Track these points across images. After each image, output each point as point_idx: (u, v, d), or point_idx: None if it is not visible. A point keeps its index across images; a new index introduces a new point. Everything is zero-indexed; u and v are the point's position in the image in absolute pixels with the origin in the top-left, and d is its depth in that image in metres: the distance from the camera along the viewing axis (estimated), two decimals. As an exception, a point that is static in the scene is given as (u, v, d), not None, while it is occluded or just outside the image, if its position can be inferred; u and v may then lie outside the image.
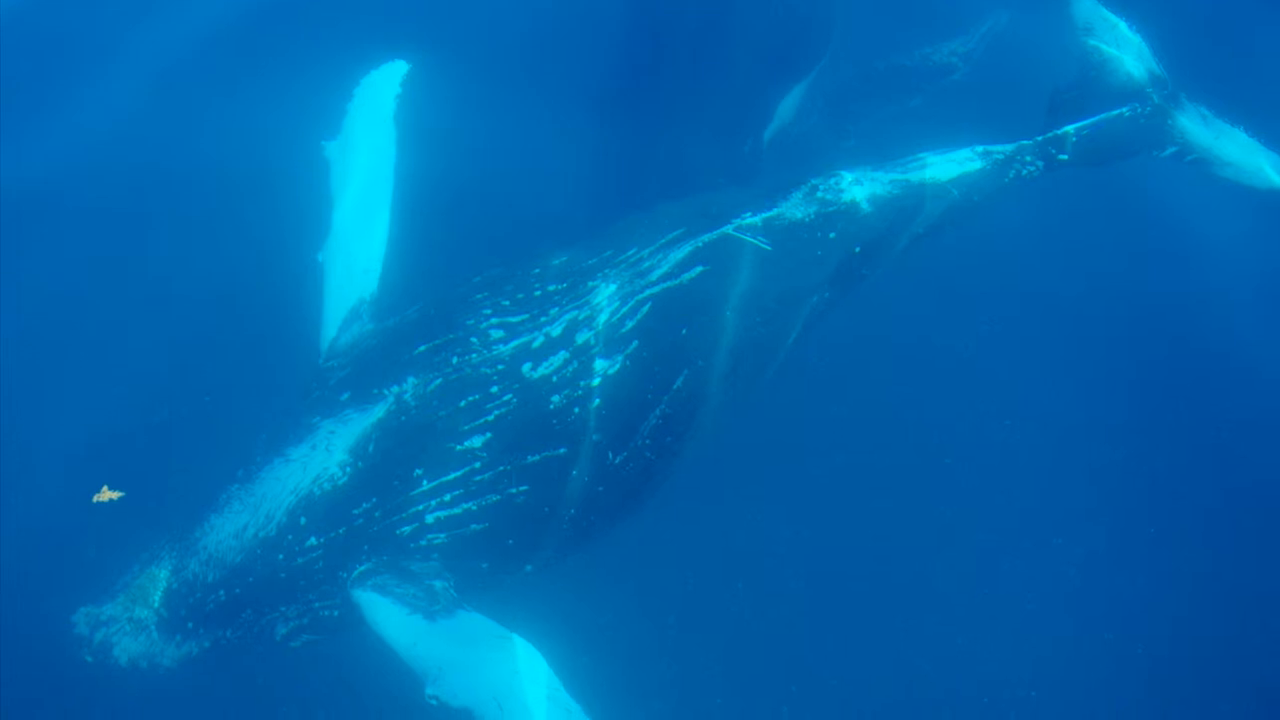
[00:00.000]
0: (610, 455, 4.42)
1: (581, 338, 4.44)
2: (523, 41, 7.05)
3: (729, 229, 4.78)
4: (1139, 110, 5.66)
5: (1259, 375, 5.96)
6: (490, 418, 4.31)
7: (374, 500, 4.26)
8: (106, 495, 5.22)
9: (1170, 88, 5.75)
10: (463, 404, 4.32)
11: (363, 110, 5.45)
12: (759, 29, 6.43)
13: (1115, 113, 5.63)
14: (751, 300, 4.72)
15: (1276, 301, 6.20)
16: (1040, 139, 5.50)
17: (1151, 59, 5.77)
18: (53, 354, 5.88)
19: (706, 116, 6.16)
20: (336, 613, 4.31)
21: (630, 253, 4.68)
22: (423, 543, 4.27)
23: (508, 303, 4.56)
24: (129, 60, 7.09)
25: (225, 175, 6.36)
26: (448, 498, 4.27)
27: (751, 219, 4.84)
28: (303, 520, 4.25)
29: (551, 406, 4.34)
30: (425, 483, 4.26)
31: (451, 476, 4.27)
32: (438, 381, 4.37)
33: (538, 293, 4.58)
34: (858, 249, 4.99)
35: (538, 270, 4.69)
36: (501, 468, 4.30)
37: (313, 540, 4.24)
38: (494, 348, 4.43)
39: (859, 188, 5.06)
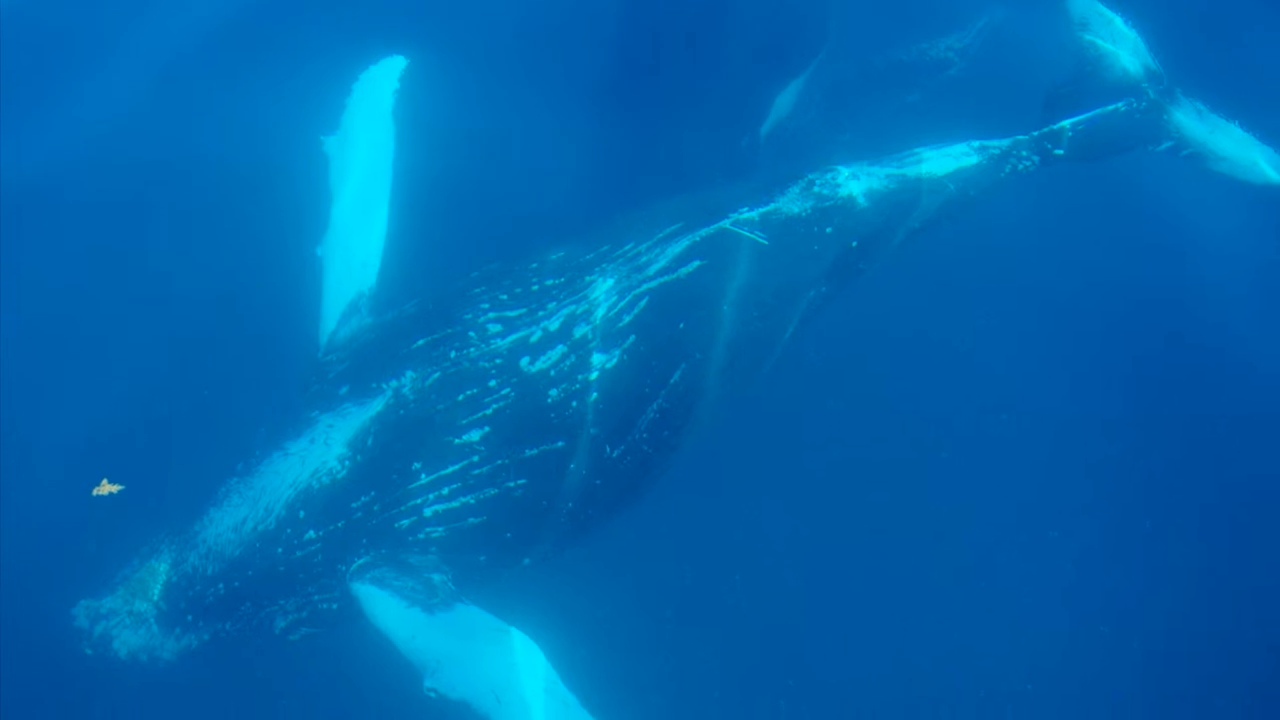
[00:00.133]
0: (608, 449, 4.44)
1: (579, 332, 4.45)
2: (520, 36, 7.06)
3: (726, 224, 4.79)
4: (1134, 105, 5.67)
5: (1254, 369, 5.98)
6: (488, 412, 4.32)
7: (372, 494, 4.27)
8: (106, 489, 5.23)
9: (1166, 83, 5.76)
10: (461, 398, 4.34)
11: (361, 105, 5.45)
12: (756, 24, 6.44)
13: (1111, 108, 5.64)
14: (749, 295, 4.73)
15: (1271, 296, 6.23)
16: (1036, 134, 5.50)
17: (1147, 54, 5.78)
18: (52, 347, 5.89)
19: (704, 111, 6.17)
20: (335, 606, 4.32)
21: (628, 247, 4.69)
22: (421, 536, 4.28)
23: (505, 297, 4.57)
24: (129, 55, 7.09)
25: (224, 170, 6.37)
26: (446, 491, 4.28)
27: (748, 214, 4.85)
28: (301, 514, 4.26)
29: (549, 401, 4.36)
30: (423, 476, 4.28)
31: (449, 470, 4.28)
32: (436, 375, 4.39)
33: (535, 287, 4.59)
34: (854, 244, 4.99)
35: (535, 265, 4.70)
36: (499, 461, 4.32)
37: (311, 533, 4.25)
38: (492, 342, 4.44)
39: (856, 182, 5.07)
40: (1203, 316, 6.17)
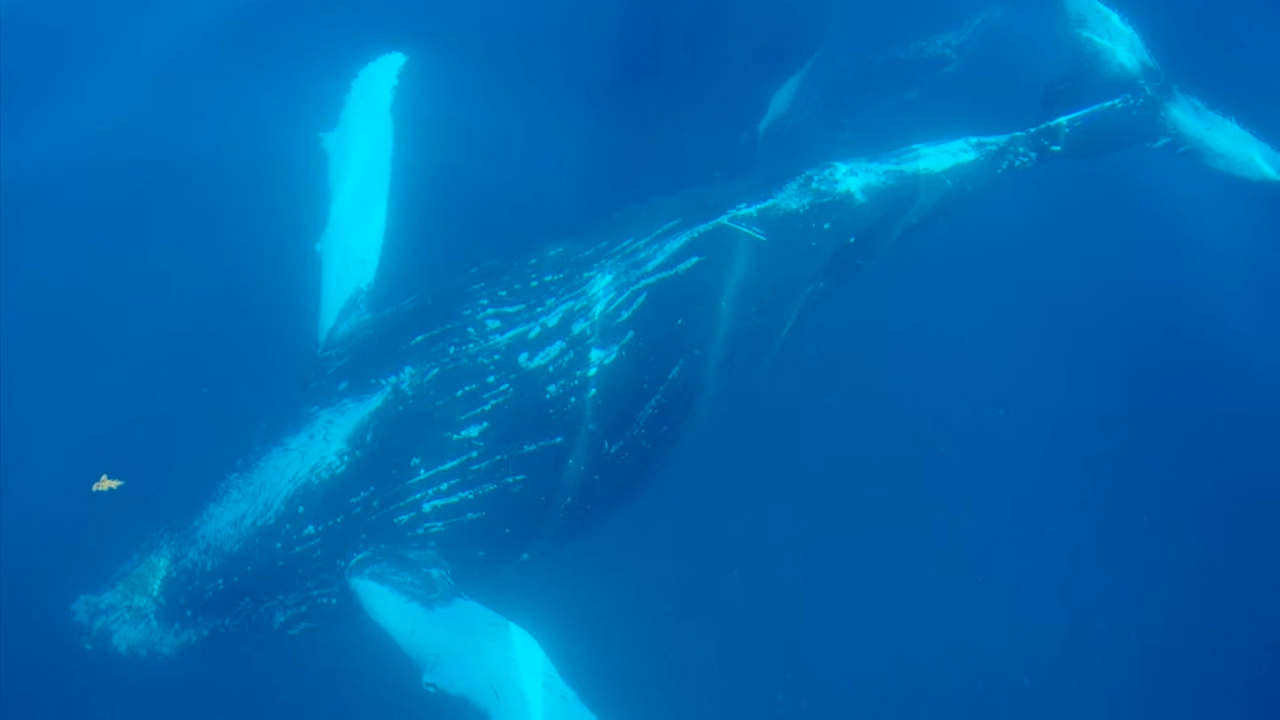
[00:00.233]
0: (606, 445, 4.45)
1: (578, 328, 4.46)
2: (519, 33, 7.07)
3: (724, 220, 4.80)
4: (1131, 102, 5.68)
5: (1251, 365, 5.99)
6: (487, 407, 4.33)
7: (371, 489, 4.28)
8: (106, 484, 5.24)
9: (1162, 79, 5.76)
10: (459, 394, 4.35)
11: (360, 102, 5.47)
12: (755, 22, 6.45)
13: (1108, 104, 5.65)
14: (747, 290, 4.74)
15: (1268, 292, 6.24)
16: (1033, 130, 5.51)
17: (1144, 51, 5.79)
18: (52, 344, 5.90)
19: (702, 108, 6.18)
20: (334, 601, 4.33)
21: (626, 243, 4.70)
22: (420, 531, 4.29)
23: (504, 293, 4.58)
24: (128, 53, 7.10)
25: (224, 167, 6.38)
26: (445, 486, 4.29)
27: (747, 210, 4.86)
28: (301, 509, 4.27)
29: (548, 396, 4.37)
30: (422, 472, 4.29)
31: (448, 465, 4.29)
32: (435, 371, 4.40)
33: (534, 283, 4.60)
34: (852, 239, 5.00)
35: (534, 261, 4.71)
36: (498, 457, 4.32)
37: (311, 529, 4.26)
38: (490, 338, 4.45)
39: (853, 179, 5.08)
40: (1199, 312, 6.18)
